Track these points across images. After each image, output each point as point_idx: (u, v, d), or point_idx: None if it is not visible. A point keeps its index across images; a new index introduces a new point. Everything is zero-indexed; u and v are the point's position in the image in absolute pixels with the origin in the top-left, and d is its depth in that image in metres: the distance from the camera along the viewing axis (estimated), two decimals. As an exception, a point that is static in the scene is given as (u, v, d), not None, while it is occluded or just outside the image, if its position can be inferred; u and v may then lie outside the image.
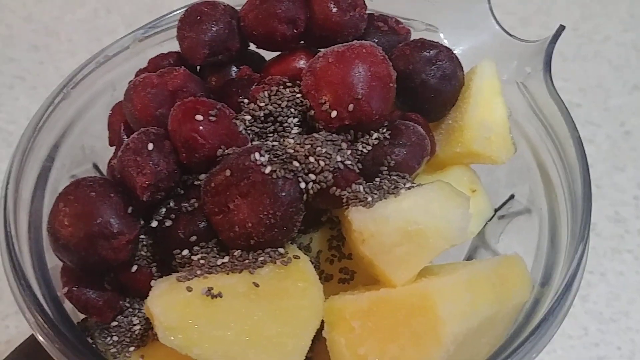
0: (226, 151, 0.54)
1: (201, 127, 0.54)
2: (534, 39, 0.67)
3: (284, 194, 0.52)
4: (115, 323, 0.57)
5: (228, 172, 0.53)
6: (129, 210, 0.54)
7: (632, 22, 1.23)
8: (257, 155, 0.52)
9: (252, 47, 0.66)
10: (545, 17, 1.24)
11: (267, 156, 0.53)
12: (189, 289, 0.50)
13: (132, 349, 0.56)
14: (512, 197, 0.67)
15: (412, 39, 0.66)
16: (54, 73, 1.18)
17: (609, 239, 0.97)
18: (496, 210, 0.66)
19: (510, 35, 0.67)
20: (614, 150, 1.06)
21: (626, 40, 1.21)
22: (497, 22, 0.68)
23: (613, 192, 1.01)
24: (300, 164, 0.53)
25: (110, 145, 0.65)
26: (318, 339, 0.55)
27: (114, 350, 0.56)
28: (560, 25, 0.64)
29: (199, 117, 0.54)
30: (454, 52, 0.64)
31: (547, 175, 0.61)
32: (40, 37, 1.22)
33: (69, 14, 1.26)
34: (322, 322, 0.53)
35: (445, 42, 0.68)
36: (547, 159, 0.62)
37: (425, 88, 0.62)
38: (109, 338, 0.57)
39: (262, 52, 0.68)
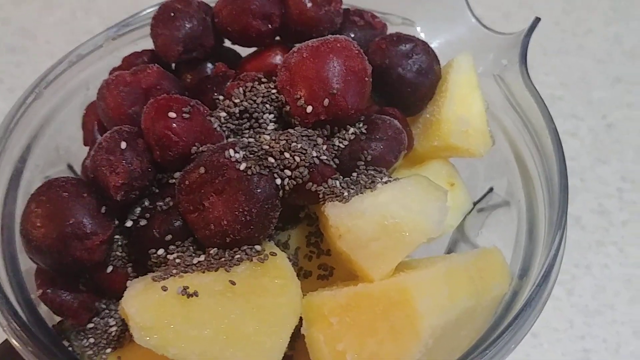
0: (200, 148, 0.54)
1: (174, 125, 0.54)
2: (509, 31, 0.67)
3: (259, 191, 0.52)
4: (91, 325, 0.57)
5: (202, 170, 0.52)
6: (103, 210, 0.54)
7: (614, 15, 1.23)
8: (231, 151, 0.52)
9: (228, 43, 0.66)
10: (528, 11, 1.25)
11: (242, 153, 0.52)
12: (164, 289, 0.50)
13: (108, 350, 0.56)
14: (491, 190, 0.67)
15: (388, 33, 0.66)
16: (33, 75, 1.14)
17: (593, 231, 0.97)
18: (475, 204, 0.67)
19: (486, 28, 0.68)
20: (597, 143, 1.06)
21: (609, 34, 1.20)
22: (474, 15, 0.68)
23: (597, 185, 1.02)
24: (275, 160, 0.53)
25: (85, 145, 0.65)
26: (298, 336, 0.55)
27: (91, 352, 0.56)
28: (536, 17, 0.64)
29: (172, 115, 0.54)
30: (431, 45, 0.64)
31: (524, 167, 0.62)
32: (18, 39, 1.21)
33: (47, 16, 1.25)
34: (301, 319, 0.53)
35: (422, 36, 0.68)
36: (524, 151, 0.62)
37: (402, 82, 0.62)
38: (85, 340, 0.57)
39: (238, 48, 0.67)
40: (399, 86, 0.62)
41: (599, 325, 0.88)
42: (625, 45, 1.19)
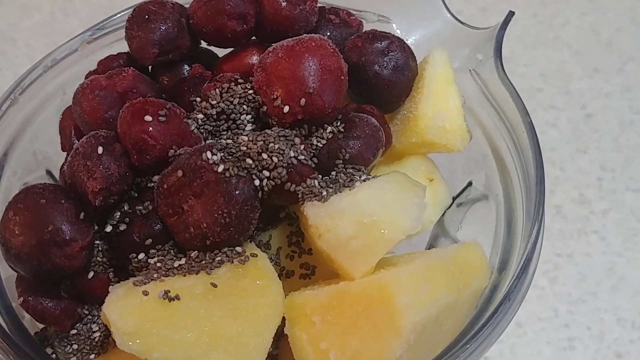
0: (178, 151, 0.54)
1: (151, 128, 0.53)
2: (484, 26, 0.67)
3: (238, 192, 0.51)
4: (74, 331, 0.56)
5: (180, 173, 0.52)
6: (81, 216, 0.53)
7: (589, 5, 1.24)
8: (209, 154, 0.52)
9: (205, 44, 0.66)
10: (506, 4, 1.24)
11: (219, 154, 0.52)
12: (146, 293, 0.50)
13: (92, 356, 0.56)
14: (469, 184, 0.67)
15: (364, 30, 0.66)
16: (13, 79, 1.14)
17: (574, 221, 0.97)
18: (454, 198, 0.67)
19: (462, 23, 0.67)
20: (577, 133, 1.07)
21: (585, 24, 1.21)
22: (449, 11, 0.68)
23: (577, 174, 1.02)
24: (253, 161, 0.53)
25: (63, 150, 0.64)
26: (283, 336, 0.55)
27: (75, 358, 0.56)
28: (510, 11, 0.64)
29: (148, 118, 0.53)
30: (407, 42, 0.64)
31: (501, 160, 0.62)
32: (-4, 43, 1.20)
33: (26, 19, 1.24)
34: (284, 318, 0.53)
35: (398, 33, 0.68)
36: (501, 145, 0.62)
37: (378, 79, 0.62)
38: (68, 347, 0.56)
39: (215, 49, 0.67)
40: (375, 83, 0.62)
41: (582, 313, 0.89)
42: (601, 36, 1.20)
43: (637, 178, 1.01)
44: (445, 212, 0.65)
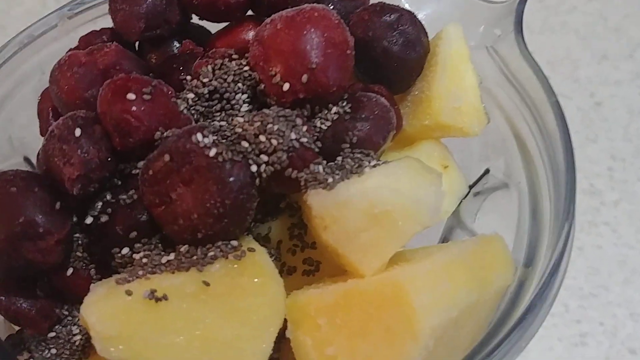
0: (165, 134, 0.49)
1: (134, 107, 0.48)
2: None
3: (232, 179, 0.46)
4: (53, 334, 0.52)
5: (167, 157, 0.47)
6: (57, 206, 0.49)
7: (596, -10, 1.20)
8: (199, 136, 0.46)
9: (196, 19, 0.61)
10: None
11: (211, 137, 0.47)
12: (129, 293, 0.45)
13: (72, 362, 0.51)
14: (487, 171, 0.62)
15: (370, 3, 0.61)
16: (2, 68, 1.12)
17: (585, 212, 0.94)
18: (471, 187, 0.62)
19: (475, -3, 0.62)
20: (586, 121, 1.04)
21: (592, 10, 1.18)
22: (462, -17, 0.62)
23: (586, 164, 0.99)
24: (249, 144, 0.47)
25: (42, 135, 0.59)
26: (284, 338, 0.50)
27: (53, 364, 0.51)
28: (530, -17, 0.58)
29: (131, 96, 0.48)
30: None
31: (524, 145, 0.57)
32: (-15, 31, 1.17)
33: (16, 6, 1.20)
34: (286, 320, 0.48)
35: (407, 7, 0.62)
36: (523, 128, 0.57)
37: (387, 56, 0.57)
38: (46, 351, 0.52)
39: (207, 24, 0.62)
40: (384, 61, 0.57)
41: (594, 308, 0.86)
42: (609, 22, 1.16)
43: (649, 168, 0.98)
44: (460, 202, 0.60)
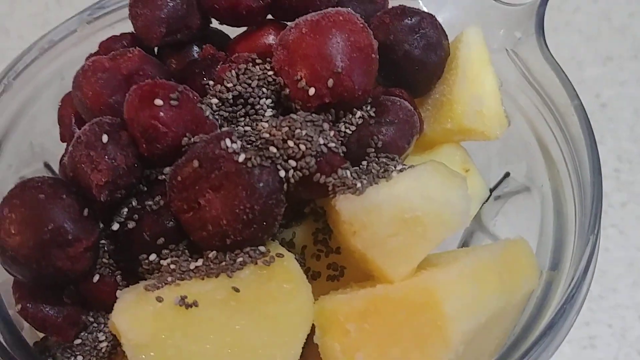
0: (192, 139, 0.49)
1: (161, 113, 0.48)
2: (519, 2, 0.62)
3: (261, 185, 0.46)
4: (78, 341, 0.52)
5: (196, 163, 0.47)
6: (85, 212, 0.49)
7: (600, -9, 1.21)
8: (228, 141, 0.47)
9: (215, 24, 0.61)
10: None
11: (239, 142, 0.47)
12: (159, 299, 0.46)
13: (98, 368, 0.51)
14: (507, 175, 0.63)
15: (390, 6, 0.61)
16: (5, 72, 1.11)
17: None
18: (492, 190, 0.62)
19: (495, -1, 0.62)
20: (592, 122, 1.03)
21: (596, 10, 1.18)
22: (480, -14, 0.62)
23: None
24: (278, 149, 0.47)
25: (62, 141, 0.59)
26: (308, 343, 0.50)
27: (79, 370, 0.51)
28: (551, -14, 0.58)
29: (159, 102, 0.48)
30: (437, 20, 0.59)
31: (546, 149, 0.57)
32: (-12, 34, 1.17)
33: (19, 9, 1.20)
34: (313, 326, 0.48)
35: (426, 10, 0.62)
36: (545, 132, 0.57)
37: (408, 60, 0.57)
38: (72, 358, 0.52)
39: (226, 29, 0.62)
40: (405, 64, 0.57)
41: (603, 310, 0.86)
42: (614, 22, 1.16)
43: (655, 169, 0.98)
44: (482, 205, 0.60)
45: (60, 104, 0.60)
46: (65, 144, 0.58)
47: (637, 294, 0.86)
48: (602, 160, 0.98)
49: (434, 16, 0.58)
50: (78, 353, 0.51)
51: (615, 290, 0.87)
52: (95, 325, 0.52)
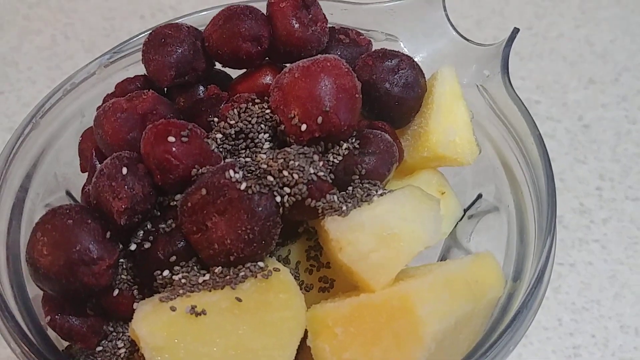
0: (200, 170, 0.55)
1: (174, 149, 0.54)
2: (490, 40, 0.69)
3: (260, 209, 0.53)
4: (100, 348, 0.57)
5: (204, 191, 0.53)
6: (107, 235, 0.55)
7: (583, 17, 1.26)
8: (231, 172, 0.53)
9: (218, 66, 0.67)
10: (500, 18, 1.28)
11: (241, 173, 0.54)
12: (173, 309, 0.51)
13: (118, 372, 0.57)
14: (480, 196, 0.69)
15: (373, 49, 0.68)
16: (15, 102, 1.17)
17: (575, 230, 0.99)
18: (465, 210, 0.68)
19: (467, 40, 0.70)
20: (575, 143, 1.09)
21: (579, 36, 1.24)
22: (454, 29, 0.70)
23: (576, 184, 1.04)
24: (274, 178, 0.54)
25: (82, 171, 0.65)
26: (302, 349, 0.56)
27: (101, 374, 0.57)
28: (515, 28, 0.66)
29: (171, 139, 0.55)
30: (415, 59, 0.66)
31: (511, 173, 0.63)
32: (-2, 67, 1.21)
33: (27, 43, 1.26)
34: (306, 331, 0.54)
35: (406, 51, 0.70)
36: (510, 158, 0.64)
37: (389, 96, 0.64)
38: None
39: (228, 70, 0.69)
40: (387, 100, 0.64)
41: (586, 321, 0.90)
42: (596, 47, 1.22)
43: (636, 187, 1.03)
44: (457, 224, 0.66)
45: (80, 138, 0.66)
46: (84, 175, 0.64)
47: (619, 306, 0.90)
48: (585, 179, 1.04)
49: (412, 58, 0.65)
50: (99, 359, 0.57)
51: (598, 303, 0.91)
52: (114, 334, 0.57)
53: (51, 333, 0.57)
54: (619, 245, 0.97)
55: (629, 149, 1.08)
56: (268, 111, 0.59)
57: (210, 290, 0.53)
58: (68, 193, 0.68)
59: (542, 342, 0.89)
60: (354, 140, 0.60)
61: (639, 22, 1.26)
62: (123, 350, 0.57)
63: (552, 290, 0.93)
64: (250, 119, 0.59)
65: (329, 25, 0.66)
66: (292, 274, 0.57)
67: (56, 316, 0.56)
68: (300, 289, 0.57)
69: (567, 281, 0.94)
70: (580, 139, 1.10)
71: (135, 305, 0.55)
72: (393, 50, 0.66)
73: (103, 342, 0.58)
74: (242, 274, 0.53)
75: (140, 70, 0.66)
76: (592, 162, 1.06)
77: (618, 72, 1.18)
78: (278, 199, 0.54)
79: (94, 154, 0.61)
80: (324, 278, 0.59)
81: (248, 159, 0.57)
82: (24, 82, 1.20)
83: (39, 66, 1.22)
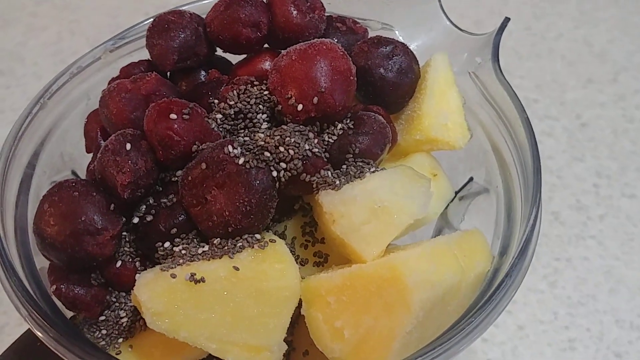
0: (201, 147, 0.58)
1: (176, 125, 0.57)
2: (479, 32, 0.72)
3: (257, 183, 0.56)
4: (103, 317, 0.60)
5: (204, 165, 0.57)
6: (111, 207, 0.58)
7: (582, 18, 1.29)
8: (230, 147, 0.56)
9: (219, 52, 0.71)
10: (499, 18, 1.27)
11: (240, 149, 0.57)
12: (173, 276, 0.54)
13: (120, 340, 0.60)
14: (471, 179, 0.71)
15: (369, 36, 0.71)
16: (21, 97, 1.20)
17: (572, 226, 1.01)
18: (457, 193, 0.71)
19: (460, 29, 0.73)
20: (572, 141, 1.11)
21: (577, 37, 1.26)
22: (448, 18, 0.74)
23: (574, 181, 1.06)
24: (271, 154, 0.57)
25: (88, 152, 0.68)
26: (297, 323, 0.60)
27: (103, 342, 0.60)
28: (505, 17, 0.70)
29: (173, 116, 0.58)
30: (410, 47, 0.69)
31: (501, 155, 0.66)
32: (5, 62, 1.25)
33: (33, 39, 1.29)
34: (300, 301, 0.57)
35: (401, 39, 0.73)
36: (500, 141, 0.67)
37: (384, 82, 0.67)
38: (97, 332, 0.60)
39: (228, 56, 0.72)
40: (381, 85, 0.67)
41: (582, 315, 0.92)
42: (594, 47, 1.25)
43: (632, 184, 1.05)
44: (448, 205, 0.69)
45: (86, 120, 0.69)
46: (89, 155, 0.67)
47: (614, 301, 0.92)
48: (582, 176, 1.07)
49: (406, 45, 0.68)
50: (102, 327, 0.60)
51: (594, 297, 0.92)
52: (117, 304, 0.60)
53: (57, 303, 0.60)
54: (614, 242, 0.99)
55: (625, 147, 1.10)
56: (266, 92, 0.62)
57: (209, 260, 0.56)
58: (74, 173, 0.71)
59: (538, 335, 0.91)
60: (348, 121, 0.63)
61: (637, 23, 1.29)
62: (125, 319, 0.60)
63: (548, 285, 0.95)
64: (249, 99, 0.62)
65: (326, 14, 0.69)
66: (288, 249, 0.59)
67: (61, 285, 0.59)
68: (296, 264, 0.60)
69: (563, 276, 0.96)
70: (577, 137, 1.12)
71: (137, 276, 0.57)
72: (388, 37, 0.68)
73: (106, 311, 0.61)
74: (239, 244, 0.56)
75: (144, 55, 0.70)
76: (589, 160, 1.09)
77: (616, 71, 1.21)
78: (274, 173, 0.57)
79: (99, 133, 0.64)
80: (318, 253, 0.62)
81: (247, 138, 0.60)
82: (30, 77, 1.23)
83: (44, 62, 1.25)
